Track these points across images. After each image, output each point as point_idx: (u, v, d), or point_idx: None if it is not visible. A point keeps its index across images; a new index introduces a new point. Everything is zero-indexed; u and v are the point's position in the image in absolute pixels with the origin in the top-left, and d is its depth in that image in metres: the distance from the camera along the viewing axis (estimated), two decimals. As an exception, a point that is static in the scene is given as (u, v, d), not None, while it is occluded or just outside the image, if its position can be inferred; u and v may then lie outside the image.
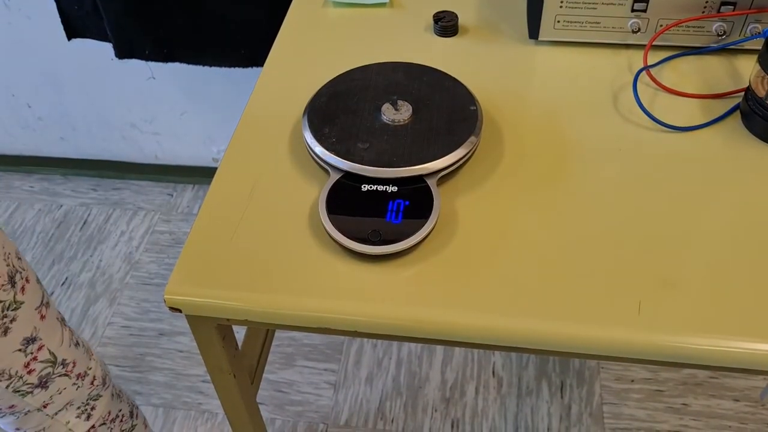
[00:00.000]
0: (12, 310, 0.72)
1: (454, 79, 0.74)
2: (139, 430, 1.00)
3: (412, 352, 1.47)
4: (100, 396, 0.88)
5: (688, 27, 0.79)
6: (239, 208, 0.67)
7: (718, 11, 0.78)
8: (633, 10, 0.79)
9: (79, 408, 0.86)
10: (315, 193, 0.68)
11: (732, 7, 0.77)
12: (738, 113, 0.74)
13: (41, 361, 0.78)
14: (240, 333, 0.81)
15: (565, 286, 0.60)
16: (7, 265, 0.71)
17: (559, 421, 1.36)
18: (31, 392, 0.79)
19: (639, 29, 0.80)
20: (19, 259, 0.74)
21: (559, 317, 0.58)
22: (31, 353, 0.77)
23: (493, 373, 1.44)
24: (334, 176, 0.66)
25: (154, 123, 1.69)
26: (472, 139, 0.68)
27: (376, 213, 0.63)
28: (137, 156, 1.80)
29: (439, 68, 0.76)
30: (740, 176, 0.68)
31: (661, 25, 0.79)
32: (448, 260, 0.62)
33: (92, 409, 0.88)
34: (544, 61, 0.82)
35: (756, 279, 0.59)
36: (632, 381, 1.42)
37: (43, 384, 0.80)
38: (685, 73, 0.80)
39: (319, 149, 0.67)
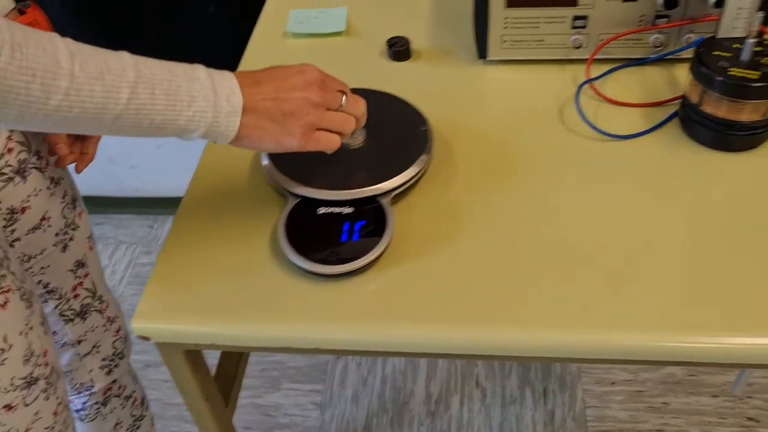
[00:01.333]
0: (72, 230, 0.83)
1: (406, 101, 0.77)
2: (146, 424, 1.04)
3: (396, 369, 1.49)
4: (123, 356, 0.96)
5: (627, 40, 0.83)
6: (203, 236, 0.70)
7: (654, 24, 0.82)
8: (573, 27, 0.83)
9: (104, 359, 0.94)
10: (275, 218, 0.71)
11: (666, 19, 0.81)
12: (677, 119, 0.78)
13: (85, 288, 0.88)
14: (215, 356, 0.83)
15: (517, 292, 0.62)
16: (72, 190, 0.83)
17: (544, 427, 1.38)
18: (72, 320, 0.87)
19: (581, 45, 0.84)
20: (78, 191, 0.86)
21: (511, 323, 0.60)
22: (79, 278, 0.86)
23: (477, 384, 1.46)
24: (292, 202, 0.69)
25: (132, 157, 1.72)
26: (423, 157, 0.71)
27: (332, 234, 0.66)
28: (117, 190, 1.82)
29: (392, 92, 0.79)
30: (680, 179, 0.72)
31: (601, 40, 0.83)
32: (405, 275, 0.65)
33: (115, 366, 0.95)
34: (494, 80, 0.86)
35: (697, 276, 0.62)
36: (613, 383, 1.44)
37: (82, 314, 0.88)
38: (627, 83, 0.84)
39: (276, 176, 0.70)
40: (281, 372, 1.50)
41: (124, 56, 0.54)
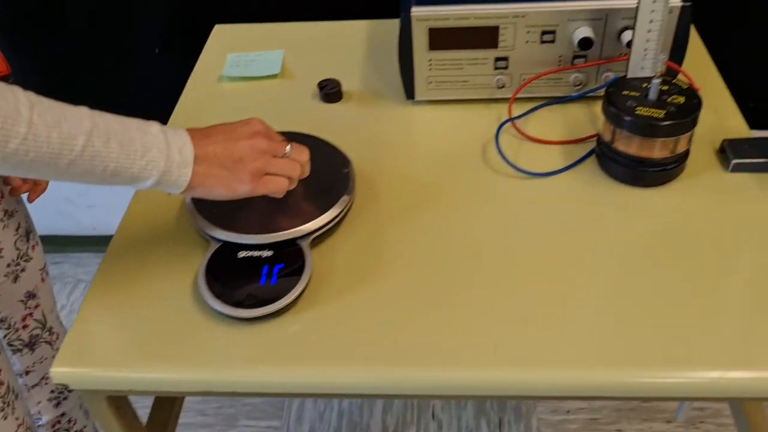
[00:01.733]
0: (24, 261, 0.86)
1: (330, 143, 0.79)
2: None
3: (353, 403, 1.49)
4: (73, 389, 0.96)
5: (549, 79, 0.86)
6: (128, 281, 0.70)
7: (572, 64, 0.84)
8: (496, 68, 0.85)
9: (52, 392, 0.96)
10: (199, 263, 0.71)
11: (584, 59, 0.84)
12: (595, 156, 0.80)
13: (35, 319, 0.91)
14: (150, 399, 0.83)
15: (434, 331, 0.64)
16: (26, 223, 0.86)
17: (499, 459, 1.38)
18: (21, 350, 0.90)
19: (504, 84, 0.86)
20: (33, 224, 0.89)
21: (425, 363, 0.62)
22: (29, 308, 0.89)
23: (433, 415, 1.46)
24: (213, 246, 0.70)
25: (88, 196, 1.72)
26: (344, 199, 0.73)
27: (251, 277, 0.67)
28: (75, 229, 1.81)
29: (323, 133, 0.81)
30: (598, 215, 0.74)
31: (523, 80, 0.86)
32: (326, 316, 0.66)
33: (64, 398, 0.97)
34: (422, 120, 0.88)
35: (612, 310, 0.64)
36: (568, 411, 1.45)
37: (31, 345, 0.91)
38: (550, 121, 0.86)
39: (198, 221, 0.71)
40: (237, 409, 1.49)
41: (83, 109, 0.58)
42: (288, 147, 0.69)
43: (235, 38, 1.07)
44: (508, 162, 0.80)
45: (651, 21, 0.72)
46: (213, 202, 0.72)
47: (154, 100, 1.26)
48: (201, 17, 1.15)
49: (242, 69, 0.98)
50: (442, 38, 0.83)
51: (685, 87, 0.74)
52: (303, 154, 0.70)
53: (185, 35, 1.20)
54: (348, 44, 1.03)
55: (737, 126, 0.83)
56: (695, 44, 0.97)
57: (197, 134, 0.64)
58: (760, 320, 0.62)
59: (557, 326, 0.63)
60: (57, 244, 1.84)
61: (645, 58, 0.75)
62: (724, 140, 0.79)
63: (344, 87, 0.93)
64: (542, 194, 0.77)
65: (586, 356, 0.61)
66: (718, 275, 0.66)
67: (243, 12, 1.16)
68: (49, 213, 1.78)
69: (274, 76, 0.97)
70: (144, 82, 1.25)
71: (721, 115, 0.85)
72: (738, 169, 0.76)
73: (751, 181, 0.76)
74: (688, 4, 0.79)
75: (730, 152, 0.77)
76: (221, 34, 1.09)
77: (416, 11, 0.81)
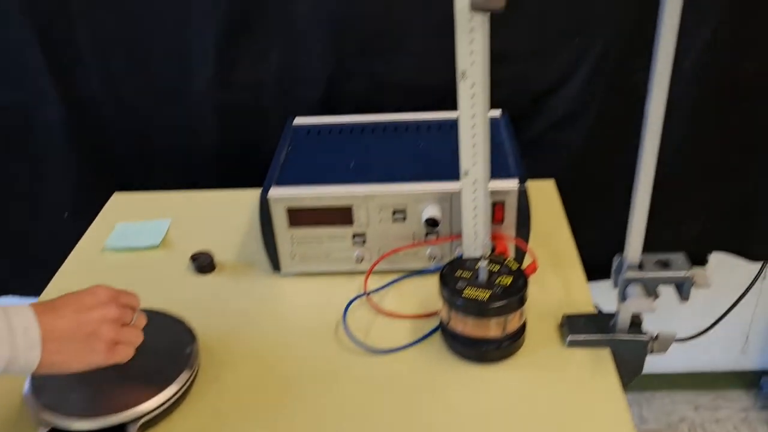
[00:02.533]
0: None
1: (178, 319, 0.81)
2: None
3: None
4: None
5: (406, 254, 0.90)
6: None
7: (425, 239, 0.88)
8: (354, 243, 0.89)
9: None
10: (31, 448, 0.71)
11: (435, 235, 0.88)
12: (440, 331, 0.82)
13: None
14: None
15: None
16: None
17: None
18: None
19: (363, 258, 0.90)
20: None
21: None
22: None
23: None
24: (42, 430, 0.70)
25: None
26: (181, 379, 0.73)
27: (70, 466, 0.66)
28: None
29: (184, 308, 0.83)
30: (440, 392, 0.75)
31: (381, 253, 0.90)
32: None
33: None
34: (287, 292, 0.91)
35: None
36: None
37: None
38: (408, 294, 0.89)
39: (30, 402, 0.71)
40: None
41: None
42: (135, 315, 0.72)
43: (131, 206, 1.12)
44: (353, 339, 0.81)
45: (475, 208, 0.77)
46: (48, 382, 0.73)
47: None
48: (109, 182, 1.21)
49: (126, 239, 1.01)
50: (301, 217, 0.87)
51: (515, 268, 0.77)
52: (142, 320, 0.73)
53: (95, 199, 1.25)
54: (231, 213, 1.07)
55: (583, 300, 0.86)
56: (556, 216, 1.02)
57: (43, 309, 0.64)
58: None
59: None
60: None
61: (476, 241, 0.79)
62: (564, 315, 0.81)
63: (220, 257, 0.97)
64: (389, 371, 0.78)
65: None
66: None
67: (148, 178, 1.22)
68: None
69: (155, 247, 1.00)
70: (53, 247, 1.28)
71: (570, 290, 0.88)
72: (574, 344, 0.78)
73: (586, 357, 0.78)
74: (524, 187, 0.84)
75: (566, 328, 0.79)
76: (118, 202, 1.14)
77: (273, 193, 0.86)
